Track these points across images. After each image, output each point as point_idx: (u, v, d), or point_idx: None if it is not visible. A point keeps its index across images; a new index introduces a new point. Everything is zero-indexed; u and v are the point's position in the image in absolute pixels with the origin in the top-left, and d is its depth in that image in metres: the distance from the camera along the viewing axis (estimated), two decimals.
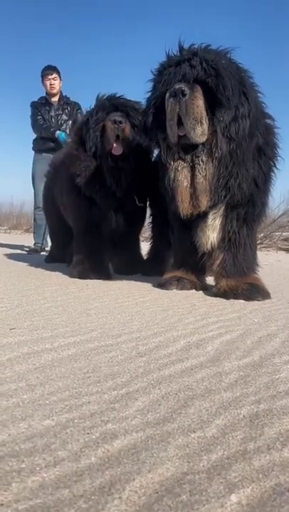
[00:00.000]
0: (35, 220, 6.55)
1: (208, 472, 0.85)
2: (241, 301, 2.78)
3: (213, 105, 2.61)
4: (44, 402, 1.15)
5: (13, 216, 21.06)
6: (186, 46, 2.73)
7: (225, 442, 0.97)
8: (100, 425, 1.02)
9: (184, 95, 2.55)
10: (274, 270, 5.21)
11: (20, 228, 17.84)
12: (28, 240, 7.97)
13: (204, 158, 2.69)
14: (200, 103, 2.59)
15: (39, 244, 6.39)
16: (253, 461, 0.90)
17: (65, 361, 1.48)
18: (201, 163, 2.70)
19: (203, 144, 2.66)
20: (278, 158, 3.04)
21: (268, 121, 3.00)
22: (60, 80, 6.35)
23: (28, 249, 6.60)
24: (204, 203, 2.75)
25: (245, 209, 2.97)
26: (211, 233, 2.98)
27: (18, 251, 6.77)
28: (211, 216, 2.92)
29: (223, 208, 2.91)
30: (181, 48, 2.73)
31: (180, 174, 2.74)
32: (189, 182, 2.73)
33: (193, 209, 2.79)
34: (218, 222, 2.96)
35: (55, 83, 6.25)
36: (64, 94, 6.44)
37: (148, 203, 3.77)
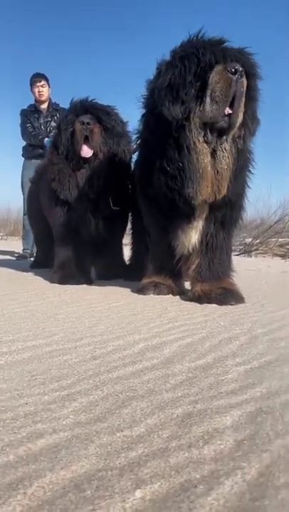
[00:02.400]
0: (24, 226, 6.58)
1: (122, 469, 0.87)
2: (214, 305, 2.80)
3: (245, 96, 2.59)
4: None
5: (11, 222, 21.09)
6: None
7: (148, 441, 1.00)
8: (30, 425, 1.05)
9: (241, 76, 2.48)
10: (260, 275, 5.23)
11: (17, 235, 17.77)
12: None
13: (227, 145, 2.68)
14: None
15: (28, 251, 6.42)
16: (170, 458, 0.92)
17: (16, 364, 1.51)
18: (225, 147, 2.67)
19: (228, 132, 2.62)
20: (253, 163, 3.09)
21: None
22: (49, 87, 6.41)
23: (17, 255, 6.62)
24: (224, 190, 2.73)
25: (224, 212, 2.98)
26: (194, 234, 2.98)
27: (8, 257, 6.80)
28: (196, 217, 2.91)
29: (207, 209, 2.91)
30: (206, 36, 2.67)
31: (206, 157, 2.64)
32: (213, 167, 2.68)
33: (212, 196, 2.74)
34: (200, 224, 2.97)
35: (43, 90, 6.31)
36: (53, 101, 6.50)
37: (127, 208, 3.80)
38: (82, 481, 0.83)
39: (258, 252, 9.62)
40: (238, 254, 9.26)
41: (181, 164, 2.64)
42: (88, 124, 3.31)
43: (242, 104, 2.53)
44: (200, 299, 2.90)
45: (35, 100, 6.39)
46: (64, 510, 0.74)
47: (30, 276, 4.17)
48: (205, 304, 2.82)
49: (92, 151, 3.36)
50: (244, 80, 2.49)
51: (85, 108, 3.42)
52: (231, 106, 2.51)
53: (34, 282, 3.73)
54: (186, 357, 1.66)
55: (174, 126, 2.60)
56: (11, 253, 7.53)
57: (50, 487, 0.80)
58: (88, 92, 3.60)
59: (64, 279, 3.58)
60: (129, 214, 3.88)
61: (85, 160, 3.38)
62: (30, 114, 6.36)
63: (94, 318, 2.29)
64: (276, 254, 9.38)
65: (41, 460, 0.89)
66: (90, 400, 1.22)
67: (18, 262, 5.73)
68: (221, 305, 2.81)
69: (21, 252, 6.57)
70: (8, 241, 15.34)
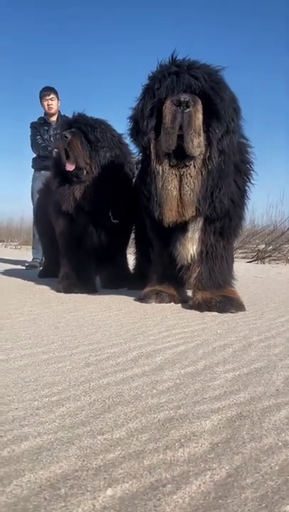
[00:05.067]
0: (34, 235, 6.70)
1: (97, 470, 0.93)
2: (214, 313, 2.84)
3: (209, 118, 2.70)
4: None
5: (24, 231, 21.37)
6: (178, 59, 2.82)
7: (127, 443, 1.05)
8: (17, 429, 1.11)
9: (187, 106, 2.62)
10: (267, 283, 5.24)
11: (30, 244, 18.03)
12: None
13: (194, 169, 2.76)
14: (200, 116, 2.68)
15: (37, 260, 6.52)
16: (145, 460, 0.97)
17: (12, 371, 1.57)
18: (190, 173, 2.77)
19: (189, 156, 2.71)
20: (252, 174, 3.14)
21: (243, 140, 3.10)
22: (58, 100, 6.56)
23: (27, 264, 6.74)
24: (190, 212, 2.82)
25: (222, 223, 3.05)
26: (191, 246, 3.05)
27: (19, 266, 6.92)
28: (190, 229, 3.00)
29: (201, 221, 2.99)
30: (175, 59, 2.81)
31: (170, 183, 2.78)
32: (178, 191, 2.79)
33: (178, 217, 2.84)
34: (197, 235, 3.03)
35: (52, 103, 6.46)
36: (62, 114, 6.63)
37: (130, 219, 3.86)
38: (59, 480, 0.88)
39: (271, 258, 9.60)
40: (250, 261, 9.27)
41: (150, 188, 2.83)
42: (66, 137, 3.43)
43: (192, 130, 2.64)
44: (200, 306, 2.95)
45: (45, 113, 6.54)
46: (37, 507, 0.80)
47: (37, 285, 4.25)
48: (205, 312, 2.86)
49: (73, 165, 3.46)
50: (191, 110, 2.62)
51: (69, 123, 3.54)
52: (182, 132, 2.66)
53: (40, 291, 3.81)
54: (177, 364, 1.71)
55: (143, 154, 2.87)
56: (23, 262, 7.66)
57: (28, 486, 0.86)
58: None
59: (69, 288, 3.66)
60: (133, 224, 3.95)
61: (70, 173, 3.49)
62: (39, 126, 6.51)
63: (93, 327, 2.35)
64: None
65: (23, 461, 0.95)
66: (77, 405, 1.28)
67: (28, 272, 5.83)
68: (221, 313, 2.85)
69: (31, 261, 6.68)
70: (22, 250, 15.53)
